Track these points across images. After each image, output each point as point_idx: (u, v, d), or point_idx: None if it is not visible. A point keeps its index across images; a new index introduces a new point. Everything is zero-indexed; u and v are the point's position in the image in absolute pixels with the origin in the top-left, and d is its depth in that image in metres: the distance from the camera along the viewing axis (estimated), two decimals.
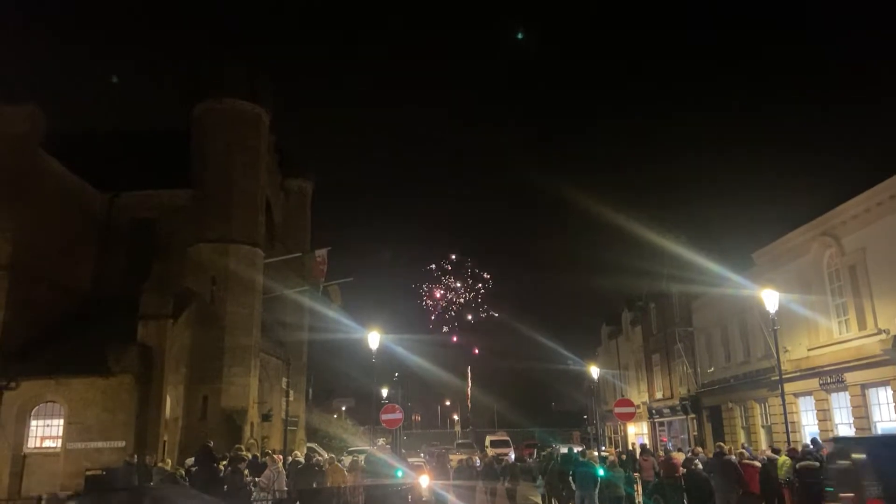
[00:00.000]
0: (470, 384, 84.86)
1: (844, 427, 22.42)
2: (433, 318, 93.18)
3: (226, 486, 16.61)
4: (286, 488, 17.37)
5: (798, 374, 24.54)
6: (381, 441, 45.69)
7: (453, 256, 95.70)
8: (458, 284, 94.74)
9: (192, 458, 20.13)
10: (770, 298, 19.87)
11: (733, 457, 17.13)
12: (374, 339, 25.85)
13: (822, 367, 23.21)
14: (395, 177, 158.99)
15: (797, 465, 16.42)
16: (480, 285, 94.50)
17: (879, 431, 20.51)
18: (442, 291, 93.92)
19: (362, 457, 26.59)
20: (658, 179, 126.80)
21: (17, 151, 25.38)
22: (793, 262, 25.43)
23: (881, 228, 20.68)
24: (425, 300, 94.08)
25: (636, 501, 19.82)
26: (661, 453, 26.83)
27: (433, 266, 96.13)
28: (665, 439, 41.49)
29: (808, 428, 24.52)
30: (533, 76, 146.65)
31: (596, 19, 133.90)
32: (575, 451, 23.48)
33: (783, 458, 17.41)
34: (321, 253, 35.16)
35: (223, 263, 29.05)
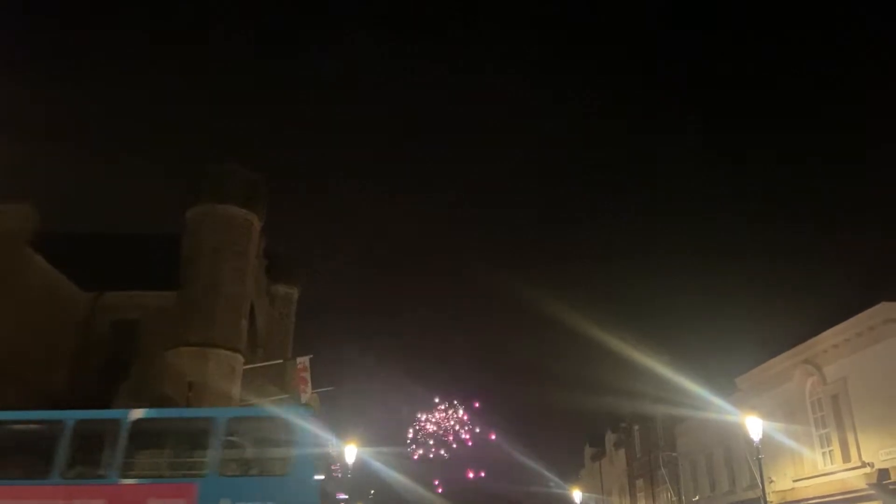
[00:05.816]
0: None
1: None
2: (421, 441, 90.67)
3: None
4: None
5: None
6: None
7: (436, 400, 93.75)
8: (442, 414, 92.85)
9: None
10: (754, 426, 19.70)
11: None
12: (350, 452, 25.16)
13: (808, 499, 22.70)
14: (379, 284, 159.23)
15: None
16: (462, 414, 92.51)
17: None
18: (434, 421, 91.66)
19: None
20: (641, 298, 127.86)
21: (5, 248, 25.35)
22: (776, 389, 25.35)
23: (862, 359, 20.81)
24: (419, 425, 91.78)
25: None
26: None
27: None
28: None
29: None
30: (517, 200, 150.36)
31: (575, 160, 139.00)
32: None
33: None
34: (303, 360, 34.31)
35: (202, 368, 28.52)
